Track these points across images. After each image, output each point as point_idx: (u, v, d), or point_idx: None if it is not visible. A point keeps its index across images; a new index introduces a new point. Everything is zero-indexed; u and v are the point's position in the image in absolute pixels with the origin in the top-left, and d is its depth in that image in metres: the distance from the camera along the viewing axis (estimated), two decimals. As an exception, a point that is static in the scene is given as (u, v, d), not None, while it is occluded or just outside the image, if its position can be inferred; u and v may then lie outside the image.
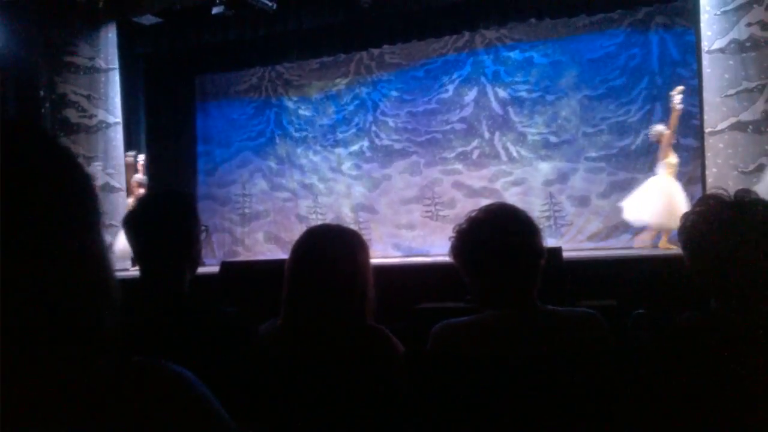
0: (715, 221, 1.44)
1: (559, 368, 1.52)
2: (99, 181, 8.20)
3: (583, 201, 8.41)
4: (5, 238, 0.58)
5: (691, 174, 7.82)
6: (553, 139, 8.56)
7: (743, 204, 1.42)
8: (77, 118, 8.44)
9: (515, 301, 1.61)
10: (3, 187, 0.59)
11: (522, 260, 1.59)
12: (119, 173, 8.40)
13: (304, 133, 9.85)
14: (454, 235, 1.66)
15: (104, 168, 8.35)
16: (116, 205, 8.23)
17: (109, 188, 8.28)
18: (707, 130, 6.65)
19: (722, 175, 6.47)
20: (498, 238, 1.58)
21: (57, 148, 0.66)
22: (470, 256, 1.62)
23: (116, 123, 8.45)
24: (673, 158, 6.80)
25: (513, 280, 1.59)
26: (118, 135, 8.44)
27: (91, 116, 8.44)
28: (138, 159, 8.35)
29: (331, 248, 1.77)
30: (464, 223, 1.65)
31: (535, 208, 8.29)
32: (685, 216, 1.54)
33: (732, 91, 6.51)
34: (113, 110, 8.47)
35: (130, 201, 7.77)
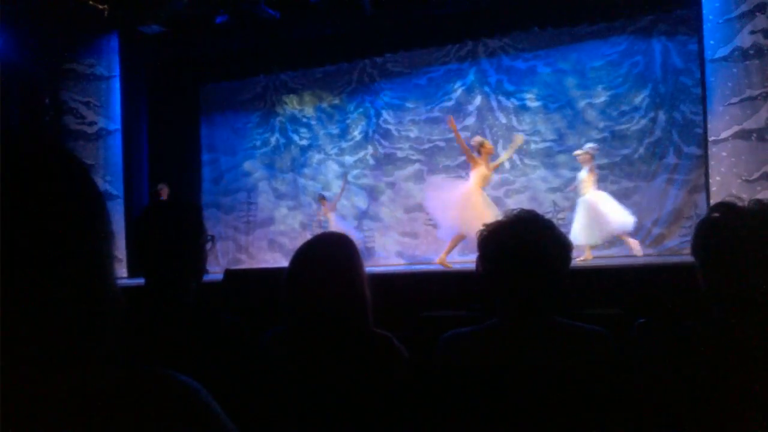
0: (728, 229, 1.43)
1: (566, 379, 1.52)
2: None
3: (586, 209, 8.39)
4: (12, 246, 0.59)
5: (694, 182, 7.82)
6: (556, 147, 8.56)
7: (757, 212, 1.42)
8: (76, 125, 8.50)
9: (529, 312, 1.59)
10: (10, 196, 0.59)
11: (547, 278, 1.57)
12: (117, 180, 8.44)
13: (308, 142, 9.88)
14: (484, 226, 1.65)
15: (103, 175, 8.39)
16: (113, 212, 8.26)
17: (108, 196, 8.32)
18: (711, 138, 6.64)
19: (726, 183, 6.46)
20: (530, 249, 1.55)
21: (66, 156, 0.66)
22: (494, 254, 1.60)
23: (116, 130, 8.50)
24: (483, 170, 6.92)
25: (532, 293, 1.58)
26: (117, 142, 8.49)
27: (90, 123, 8.50)
28: (161, 188, 8.60)
29: (330, 255, 1.78)
30: (503, 217, 1.63)
31: (538, 216, 8.27)
32: (698, 223, 1.54)
33: (735, 100, 6.51)
34: (113, 117, 8.52)
35: None
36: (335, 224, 8.59)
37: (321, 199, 9.05)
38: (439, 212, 7.04)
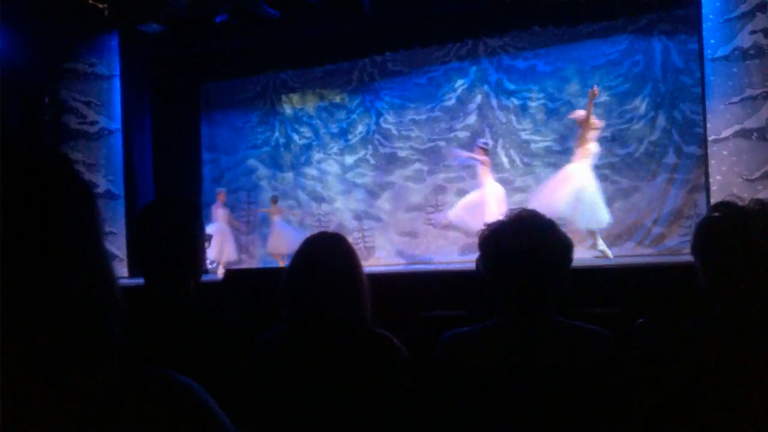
0: (729, 228, 1.43)
1: (566, 379, 1.52)
2: (100, 188, 8.26)
3: (586, 208, 8.38)
4: (7, 249, 0.58)
5: (694, 182, 7.81)
6: (556, 146, 8.55)
7: (757, 211, 1.42)
8: (77, 125, 8.50)
9: (529, 312, 1.59)
10: (4, 198, 0.59)
11: (547, 277, 1.57)
12: (118, 180, 8.44)
13: (308, 141, 9.88)
14: (485, 226, 1.65)
15: (104, 174, 8.40)
16: (116, 211, 8.28)
17: (109, 195, 8.33)
18: (711, 137, 6.64)
19: (727, 182, 6.46)
20: (531, 248, 1.55)
21: (56, 157, 0.66)
22: (494, 254, 1.60)
23: (117, 130, 8.51)
24: (593, 146, 6.59)
25: (533, 293, 1.57)
26: (118, 141, 8.49)
27: (92, 123, 8.50)
28: (219, 192, 9.01)
29: (329, 255, 1.78)
30: (504, 217, 1.63)
31: (538, 215, 8.27)
32: (698, 223, 1.54)
33: (736, 99, 6.50)
34: (114, 117, 8.52)
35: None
36: (278, 228, 8.92)
37: (273, 199, 9.26)
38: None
